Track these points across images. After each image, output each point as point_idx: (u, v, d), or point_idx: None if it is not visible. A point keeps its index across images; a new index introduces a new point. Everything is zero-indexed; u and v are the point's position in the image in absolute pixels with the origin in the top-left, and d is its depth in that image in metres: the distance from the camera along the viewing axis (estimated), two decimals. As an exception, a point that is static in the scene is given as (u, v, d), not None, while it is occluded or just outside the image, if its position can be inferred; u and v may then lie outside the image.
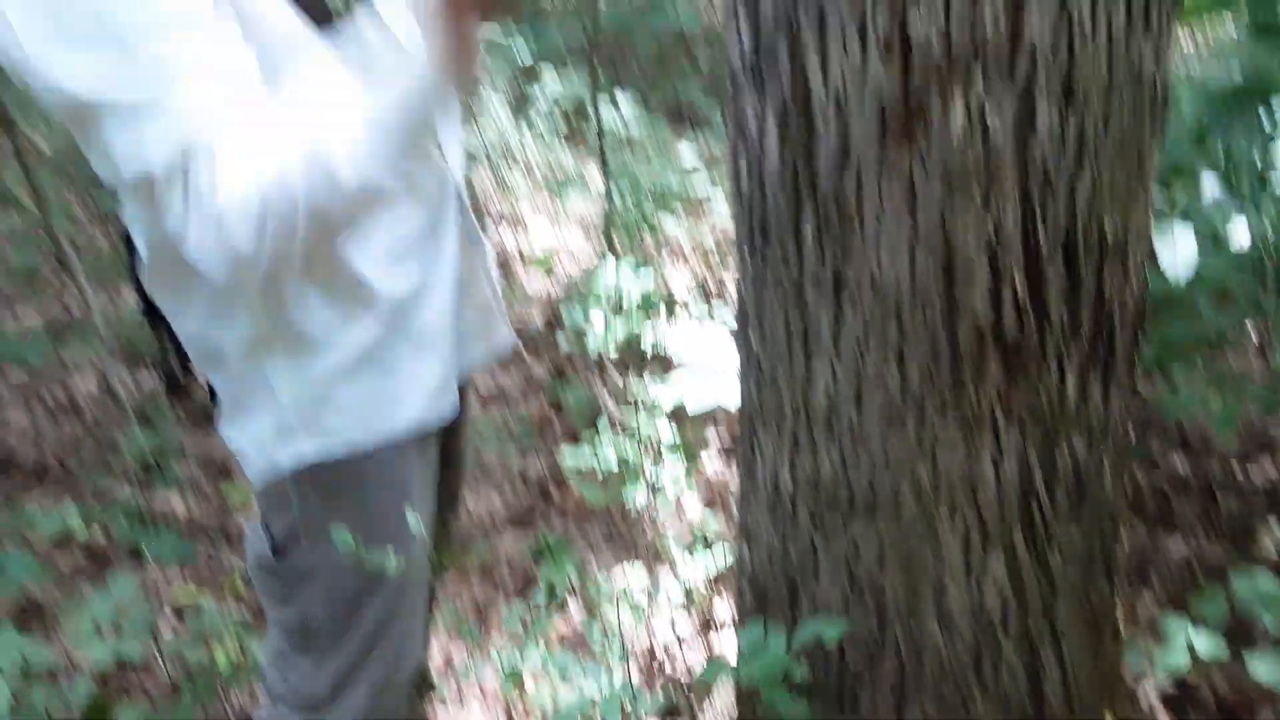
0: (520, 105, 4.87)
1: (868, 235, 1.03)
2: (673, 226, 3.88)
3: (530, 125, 4.82)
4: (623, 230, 3.09)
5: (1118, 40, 0.94)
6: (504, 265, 4.15)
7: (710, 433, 2.86)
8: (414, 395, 1.19)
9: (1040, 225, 1.00)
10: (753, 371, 1.25)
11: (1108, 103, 0.96)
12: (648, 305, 2.84)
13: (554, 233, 4.41)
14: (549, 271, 3.99)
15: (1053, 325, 1.06)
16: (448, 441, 1.37)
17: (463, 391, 1.35)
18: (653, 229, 3.05)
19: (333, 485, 1.17)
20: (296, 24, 1.01)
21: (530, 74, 4.12)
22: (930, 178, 0.98)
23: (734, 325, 1.30)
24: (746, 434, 1.29)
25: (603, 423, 2.81)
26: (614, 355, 2.95)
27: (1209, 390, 1.99)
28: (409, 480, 1.20)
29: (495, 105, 4.70)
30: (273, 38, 0.98)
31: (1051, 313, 1.05)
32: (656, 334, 2.92)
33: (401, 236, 1.15)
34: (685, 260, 3.83)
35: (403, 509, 1.16)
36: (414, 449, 1.20)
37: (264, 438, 1.17)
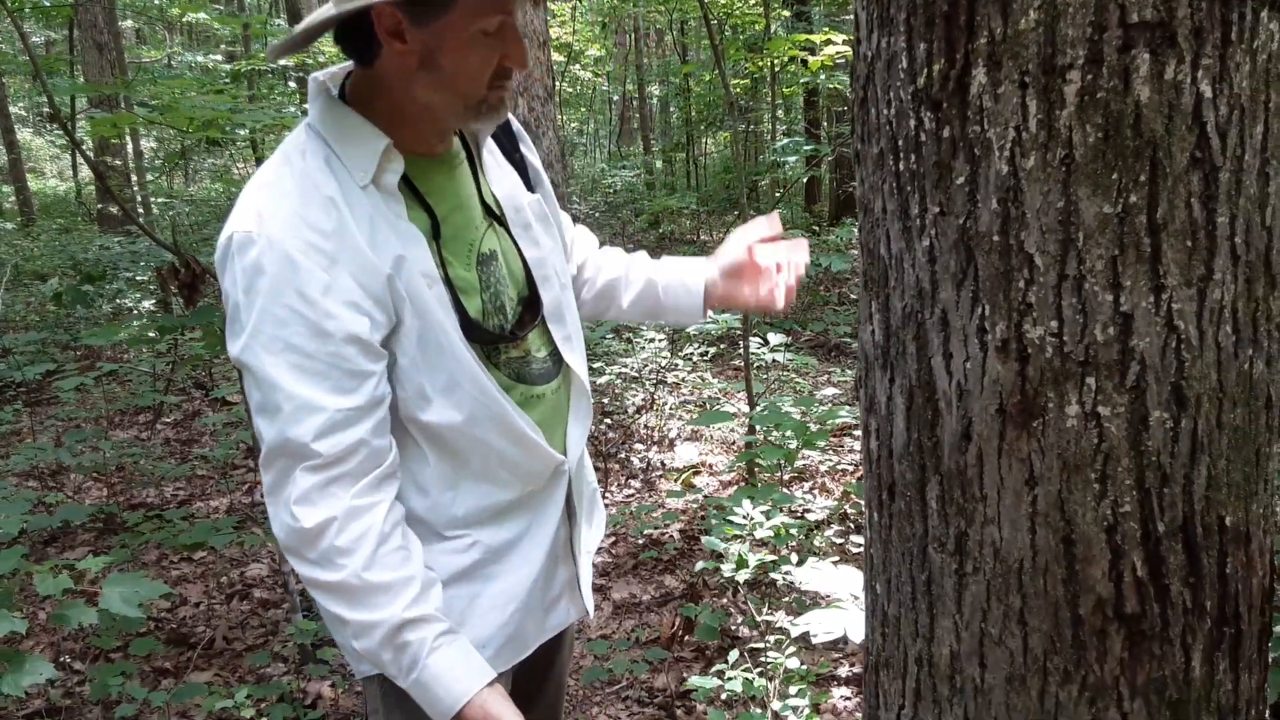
0: (676, 336, 5.16)
1: (989, 508, 1.11)
2: (815, 455, 3.96)
3: (683, 354, 5.07)
4: (764, 457, 3.20)
5: (1226, 352, 1.01)
6: (647, 479, 4.30)
7: (839, 664, 2.83)
8: (475, 635, 1.33)
9: (1158, 511, 1.06)
10: (878, 620, 1.31)
11: (1220, 408, 1.03)
12: (784, 534, 2.90)
13: (697, 452, 4.56)
14: (690, 488, 4.11)
15: (1175, 606, 1.09)
16: (544, 670, 1.50)
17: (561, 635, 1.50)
18: (792, 458, 3.15)
19: (401, 696, 1.28)
20: (465, 352, 1.25)
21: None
22: (1048, 461, 1.06)
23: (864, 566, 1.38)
24: (871, 681, 1.34)
25: (731, 647, 2.82)
26: (747, 579, 2.99)
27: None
28: None
29: (653, 335, 4.99)
30: (446, 360, 1.24)
31: (1173, 594, 1.08)
32: (791, 562, 2.96)
33: (501, 502, 1.35)
34: (824, 489, 3.89)
35: None
36: None
37: (346, 644, 1.33)
